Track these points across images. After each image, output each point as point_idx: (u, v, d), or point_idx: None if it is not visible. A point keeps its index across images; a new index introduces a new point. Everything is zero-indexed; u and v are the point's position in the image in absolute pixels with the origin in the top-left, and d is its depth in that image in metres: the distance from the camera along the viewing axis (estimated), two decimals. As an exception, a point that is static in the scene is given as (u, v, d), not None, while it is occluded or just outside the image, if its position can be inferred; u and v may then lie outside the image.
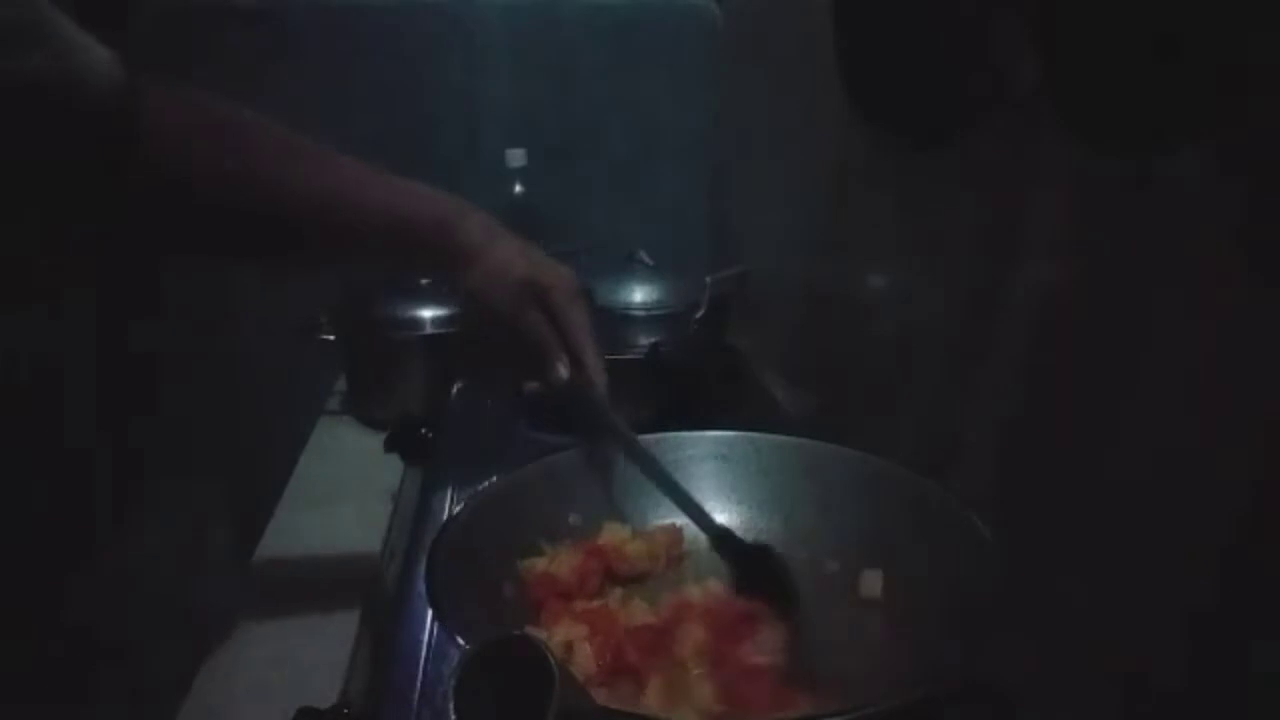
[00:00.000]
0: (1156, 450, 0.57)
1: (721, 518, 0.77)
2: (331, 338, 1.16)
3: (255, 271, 0.81)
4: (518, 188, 1.32)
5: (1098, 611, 0.60)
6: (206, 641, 0.76)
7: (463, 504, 0.70)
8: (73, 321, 1.03)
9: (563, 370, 0.74)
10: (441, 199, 0.74)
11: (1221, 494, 0.52)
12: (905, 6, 0.81)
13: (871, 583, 0.68)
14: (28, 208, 0.57)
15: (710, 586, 0.69)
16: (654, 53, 1.44)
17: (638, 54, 1.43)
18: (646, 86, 1.44)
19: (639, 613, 0.65)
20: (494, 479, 0.72)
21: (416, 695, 0.65)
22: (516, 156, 1.31)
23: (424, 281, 1.13)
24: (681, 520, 0.75)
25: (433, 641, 0.70)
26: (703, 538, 0.75)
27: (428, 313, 1.13)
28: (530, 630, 0.61)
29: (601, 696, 0.57)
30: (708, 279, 1.14)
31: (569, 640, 0.61)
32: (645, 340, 1.11)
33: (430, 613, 0.70)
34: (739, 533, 0.76)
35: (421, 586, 0.59)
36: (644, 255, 1.18)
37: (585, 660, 0.60)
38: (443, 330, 1.13)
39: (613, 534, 0.72)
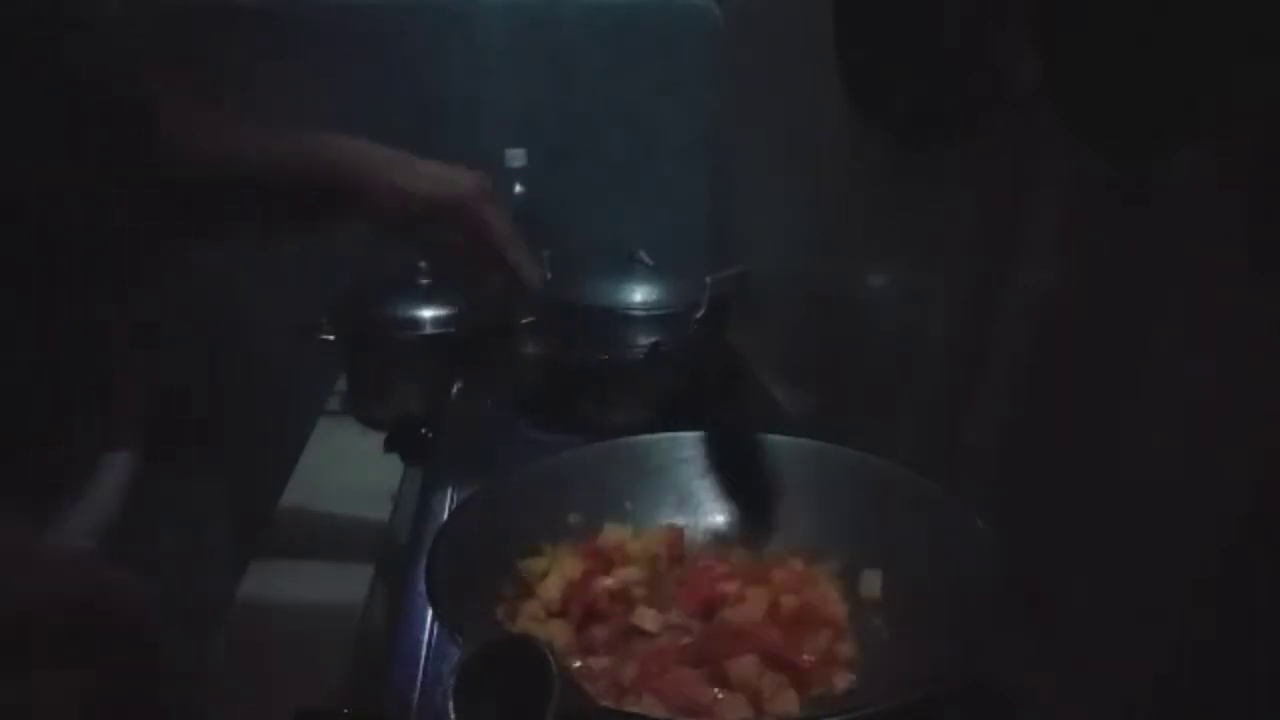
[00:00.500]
0: (1156, 450, 0.57)
1: (721, 518, 0.77)
2: (331, 338, 1.16)
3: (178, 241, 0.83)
4: (518, 188, 1.32)
5: (1098, 611, 0.60)
6: (206, 642, 0.76)
7: (462, 504, 0.70)
8: (72, 323, 1.03)
9: (490, 280, 0.77)
10: (331, 141, 0.76)
11: (1221, 494, 0.52)
12: (905, 6, 0.82)
13: (871, 583, 0.68)
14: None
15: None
16: (654, 53, 1.44)
17: (638, 54, 1.43)
18: (646, 86, 1.44)
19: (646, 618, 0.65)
20: (494, 479, 0.72)
21: (416, 695, 0.65)
22: (516, 156, 1.31)
23: (424, 282, 1.13)
24: (681, 520, 0.75)
25: (433, 641, 0.70)
26: (701, 539, 0.75)
27: (428, 313, 1.13)
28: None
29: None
30: (708, 279, 1.14)
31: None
32: (645, 340, 1.11)
33: (430, 613, 0.70)
34: (738, 533, 0.76)
35: (422, 586, 0.59)
36: (644, 255, 1.18)
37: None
38: (443, 330, 1.13)
39: (613, 534, 0.72)
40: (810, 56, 0.97)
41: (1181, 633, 0.54)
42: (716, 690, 0.58)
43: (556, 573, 0.67)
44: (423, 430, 0.96)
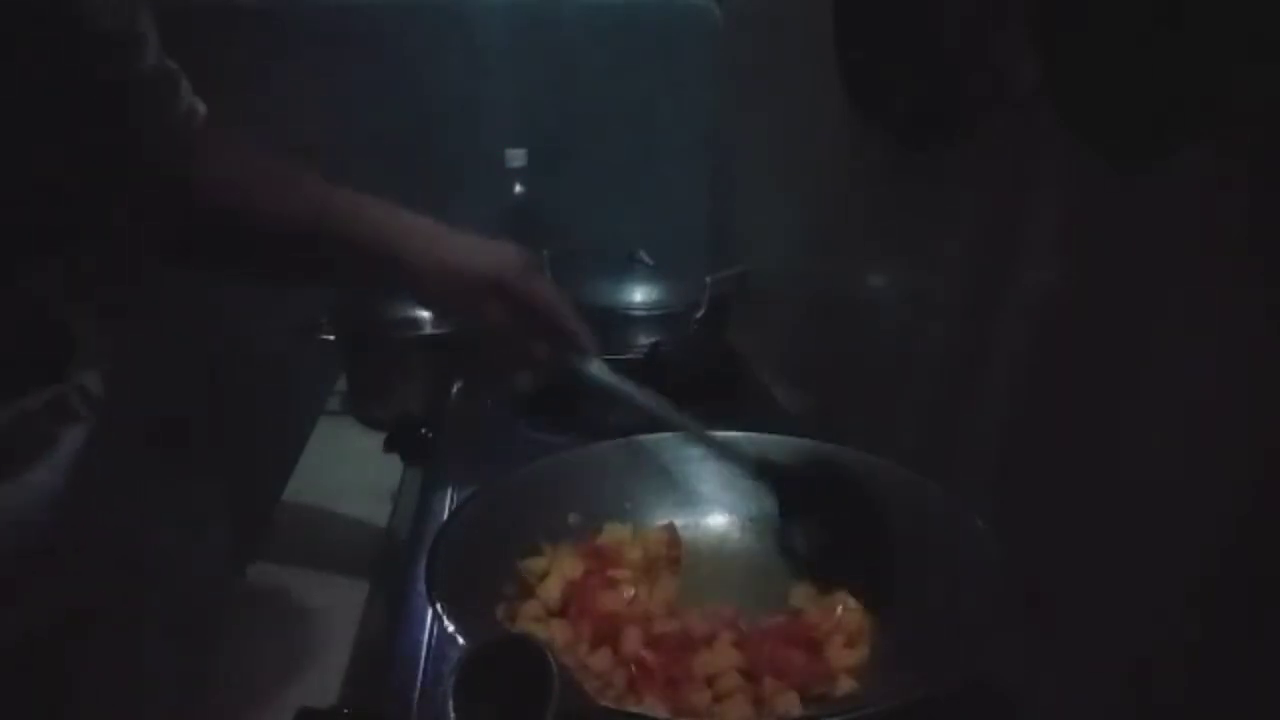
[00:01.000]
0: (1156, 450, 0.57)
1: (721, 518, 0.77)
2: (331, 338, 1.16)
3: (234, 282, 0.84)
4: (518, 188, 1.32)
5: (1098, 611, 0.60)
6: (207, 642, 0.76)
7: (462, 504, 0.70)
8: (72, 320, 1.03)
9: (540, 350, 0.75)
10: (394, 216, 0.74)
11: (1221, 494, 0.52)
12: (905, 7, 0.82)
13: (866, 582, 0.68)
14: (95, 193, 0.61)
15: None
16: (654, 53, 1.44)
17: (638, 54, 1.43)
18: (646, 86, 1.44)
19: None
20: (494, 479, 0.72)
21: (416, 695, 0.65)
22: (516, 156, 1.31)
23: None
24: (681, 520, 0.75)
25: (433, 641, 0.70)
26: (701, 539, 0.75)
27: (428, 313, 1.13)
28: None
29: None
30: (708, 279, 1.14)
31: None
32: (645, 340, 1.11)
33: (430, 613, 0.70)
34: (737, 533, 0.76)
35: (422, 586, 0.59)
36: (644, 255, 1.18)
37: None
38: (443, 330, 1.13)
39: (613, 534, 0.72)
40: (810, 56, 0.97)
41: (1181, 633, 0.54)
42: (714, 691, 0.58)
43: (556, 573, 0.67)
44: (423, 430, 0.96)
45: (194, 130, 0.69)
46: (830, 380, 1.07)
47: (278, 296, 1.22)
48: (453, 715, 0.43)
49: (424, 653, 0.69)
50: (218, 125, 0.71)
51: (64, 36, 0.57)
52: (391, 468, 0.97)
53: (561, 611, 0.65)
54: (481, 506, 0.70)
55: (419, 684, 0.66)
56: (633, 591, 0.65)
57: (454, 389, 1.12)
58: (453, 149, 1.38)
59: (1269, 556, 0.48)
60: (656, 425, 0.78)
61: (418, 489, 0.91)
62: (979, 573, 0.60)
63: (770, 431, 0.79)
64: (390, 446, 0.97)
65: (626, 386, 0.76)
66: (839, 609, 0.65)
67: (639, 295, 1.14)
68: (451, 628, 0.55)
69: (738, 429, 0.79)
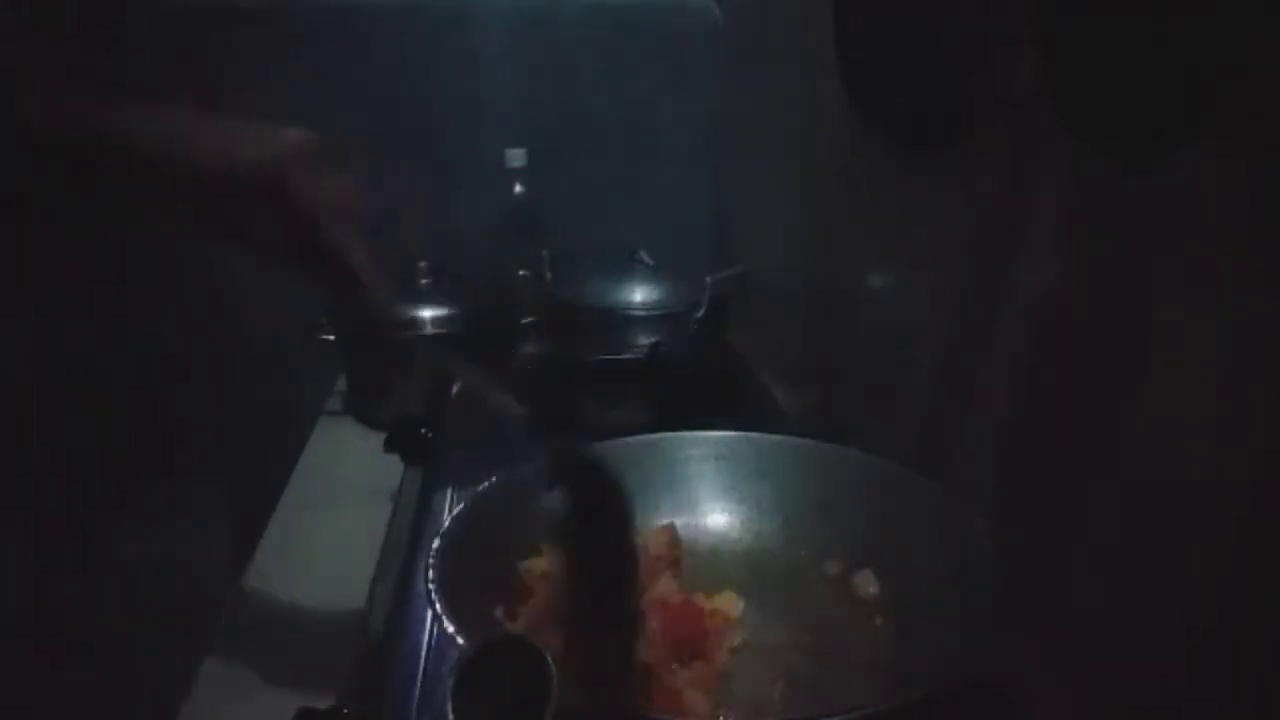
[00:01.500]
0: (1156, 450, 0.57)
1: (721, 518, 0.77)
2: (331, 338, 1.16)
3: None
4: (518, 188, 1.32)
5: (1098, 611, 0.60)
6: (206, 641, 0.76)
7: (463, 504, 0.70)
8: (72, 321, 1.03)
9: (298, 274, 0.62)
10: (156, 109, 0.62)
11: (1222, 494, 0.51)
12: (905, 7, 0.81)
13: (867, 582, 0.68)
14: None
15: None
16: (654, 53, 1.44)
17: (638, 54, 1.43)
18: (646, 86, 1.44)
19: None
20: (494, 479, 0.72)
21: (416, 695, 0.65)
22: (516, 156, 1.31)
23: (424, 282, 1.13)
24: (681, 520, 0.75)
25: (433, 641, 0.70)
26: (701, 539, 0.75)
27: (428, 313, 1.13)
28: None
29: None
30: (708, 279, 1.14)
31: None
32: (645, 340, 1.11)
33: (430, 613, 0.70)
34: (737, 533, 0.76)
35: (421, 587, 0.59)
36: (644, 255, 1.18)
37: None
38: (443, 330, 1.13)
39: None
40: (810, 56, 0.97)
41: (1182, 632, 0.54)
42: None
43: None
44: (423, 430, 0.96)
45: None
46: (830, 380, 1.07)
47: (278, 296, 1.22)
48: (451, 715, 0.43)
49: (424, 653, 0.69)
50: None
51: None
52: (391, 468, 0.97)
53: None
54: (482, 506, 0.70)
55: (419, 684, 0.66)
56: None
57: (454, 389, 1.12)
58: (453, 149, 1.38)
59: (1269, 556, 0.48)
60: (656, 426, 0.78)
61: (418, 489, 0.91)
62: (979, 573, 0.60)
63: (770, 431, 0.79)
64: (390, 446, 0.97)
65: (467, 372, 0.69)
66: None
67: (639, 295, 1.14)
68: (451, 628, 0.55)
69: (738, 429, 0.79)
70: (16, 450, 0.95)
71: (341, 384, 1.24)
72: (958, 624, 0.59)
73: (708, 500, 0.77)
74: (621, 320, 1.13)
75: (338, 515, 0.95)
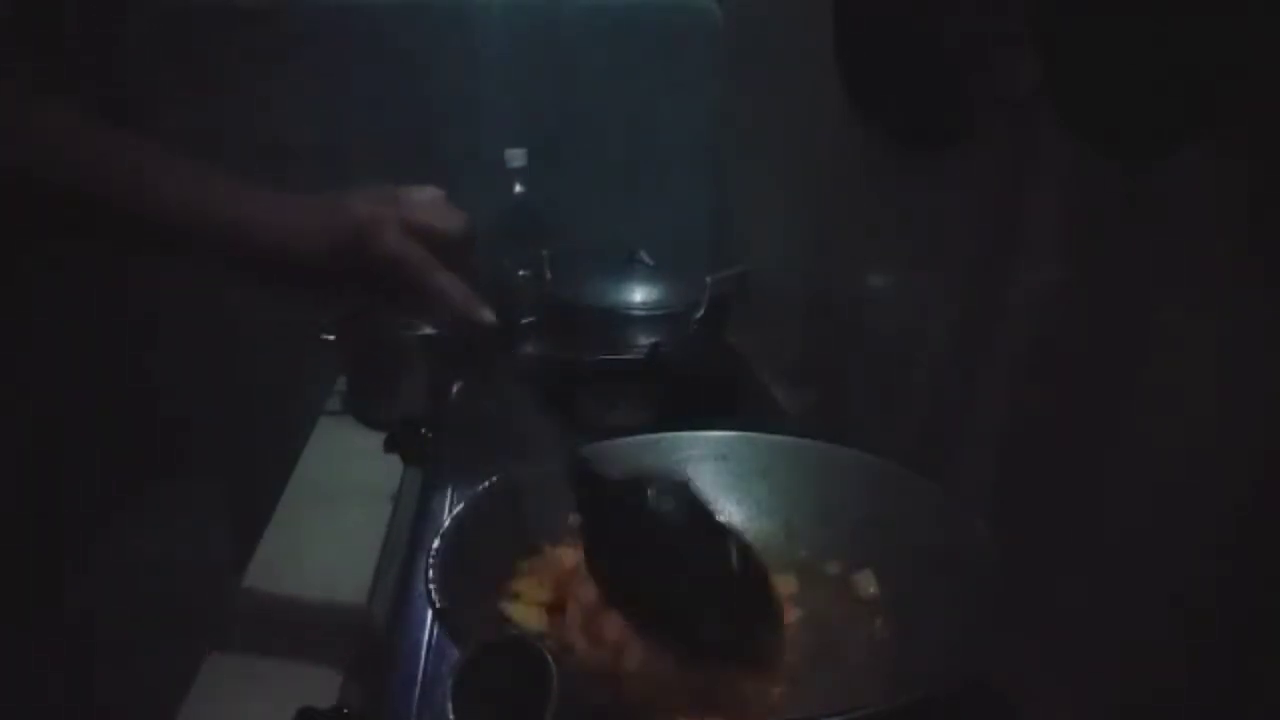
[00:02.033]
0: (1156, 450, 0.57)
1: (721, 517, 0.77)
2: (331, 338, 1.16)
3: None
4: (518, 188, 1.32)
5: (1098, 611, 0.60)
6: (206, 641, 0.76)
7: (463, 504, 0.70)
8: (73, 322, 1.04)
9: (411, 310, 0.66)
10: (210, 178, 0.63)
11: (1221, 494, 0.51)
12: (905, 7, 0.81)
13: (867, 582, 0.68)
14: None
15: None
16: (654, 53, 1.44)
17: (638, 54, 1.43)
18: (646, 86, 1.44)
19: None
20: (494, 479, 0.72)
21: (416, 695, 0.65)
22: (516, 156, 1.31)
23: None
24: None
25: (433, 641, 0.70)
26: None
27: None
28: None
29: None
30: (708, 279, 1.14)
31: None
32: (645, 340, 1.11)
33: (430, 613, 0.70)
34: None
35: (421, 587, 0.59)
36: (644, 255, 1.18)
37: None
38: (443, 330, 1.13)
39: None
40: (810, 56, 0.97)
41: (1181, 633, 0.54)
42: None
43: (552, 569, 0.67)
44: (423, 430, 0.96)
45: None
46: (830, 380, 1.07)
47: (278, 296, 1.22)
48: (451, 716, 0.43)
49: (424, 653, 0.69)
50: (218, 125, 0.65)
51: None
52: (391, 468, 0.97)
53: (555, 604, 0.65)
54: (482, 506, 0.70)
55: (419, 684, 0.66)
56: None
57: (454, 389, 1.12)
58: (453, 149, 1.38)
59: (1269, 556, 0.48)
60: (654, 429, 0.78)
61: (418, 489, 0.91)
62: (979, 573, 0.60)
63: (770, 431, 0.79)
64: (390, 446, 0.97)
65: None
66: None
67: (639, 295, 1.14)
68: (452, 627, 0.55)
69: (738, 429, 0.79)
70: (17, 450, 0.95)
71: (341, 384, 1.24)
72: (958, 624, 0.58)
73: (708, 499, 0.77)
74: (621, 320, 1.13)
75: (338, 515, 0.95)
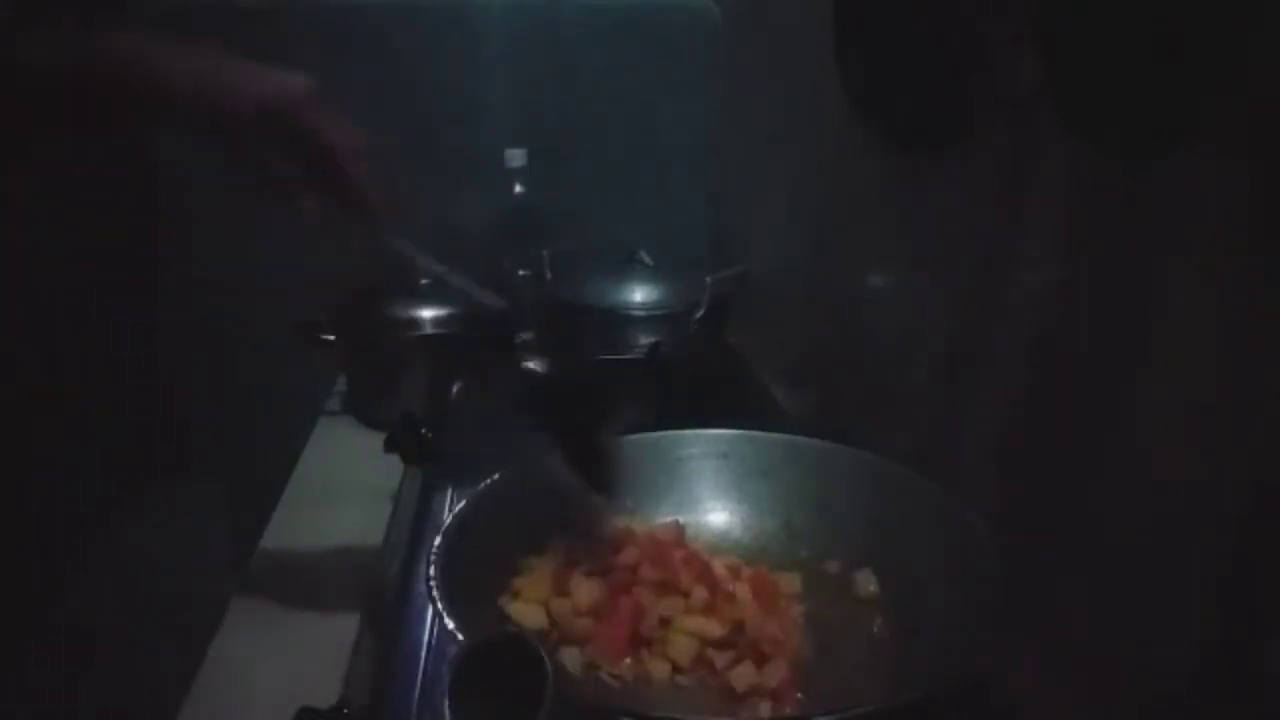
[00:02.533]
0: (1157, 450, 0.57)
1: (721, 517, 0.77)
2: (331, 338, 1.16)
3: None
4: (518, 188, 1.32)
5: (1097, 611, 0.60)
6: (206, 641, 0.76)
7: (464, 503, 0.70)
8: (72, 322, 1.03)
9: (311, 202, 0.65)
10: (111, 37, 0.65)
11: (1222, 494, 0.52)
12: (905, 7, 0.81)
13: (867, 582, 0.68)
14: None
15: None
16: (654, 53, 1.44)
17: (638, 54, 1.43)
18: (646, 86, 1.44)
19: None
20: (494, 479, 0.72)
21: (416, 695, 0.65)
22: (516, 156, 1.31)
23: (424, 283, 1.13)
24: (682, 518, 0.75)
25: (433, 641, 0.70)
26: (702, 537, 0.75)
27: (428, 313, 1.13)
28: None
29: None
30: (708, 279, 1.14)
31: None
32: (645, 340, 1.11)
33: (430, 613, 0.70)
34: (738, 531, 0.76)
35: (422, 587, 0.59)
36: (644, 255, 1.18)
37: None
38: (443, 330, 1.13)
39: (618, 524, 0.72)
40: (810, 57, 0.97)
41: (1182, 633, 0.54)
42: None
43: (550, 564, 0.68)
44: (423, 430, 0.96)
45: None
46: (830, 380, 1.07)
47: (278, 296, 1.22)
48: (449, 712, 0.44)
49: (424, 653, 0.69)
50: None
51: None
52: (391, 468, 0.97)
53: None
54: (482, 505, 0.70)
55: (419, 684, 0.66)
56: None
57: (454, 389, 1.12)
58: (453, 149, 1.39)
59: (1269, 556, 0.48)
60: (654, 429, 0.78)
61: (418, 489, 0.91)
62: (979, 573, 0.60)
63: (770, 431, 0.79)
64: (390, 446, 0.97)
65: (432, 264, 0.71)
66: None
67: (639, 295, 1.14)
68: (452, 625, 0.55)
69: (738, 429, 0.79)
70: (17, 450, 0.95)
71: (341, 384, 1.24)
72: (958, 624, 0.59)
73: (709, 499, 0.77)
74: (621, 320, 1.13)
75: (338, 515, 0.95)
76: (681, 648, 0.62)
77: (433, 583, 0.59)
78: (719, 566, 0.68)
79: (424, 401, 1.12)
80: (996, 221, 0.73)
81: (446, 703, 0.44)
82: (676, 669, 0.62)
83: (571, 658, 0.62)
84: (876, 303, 0.98)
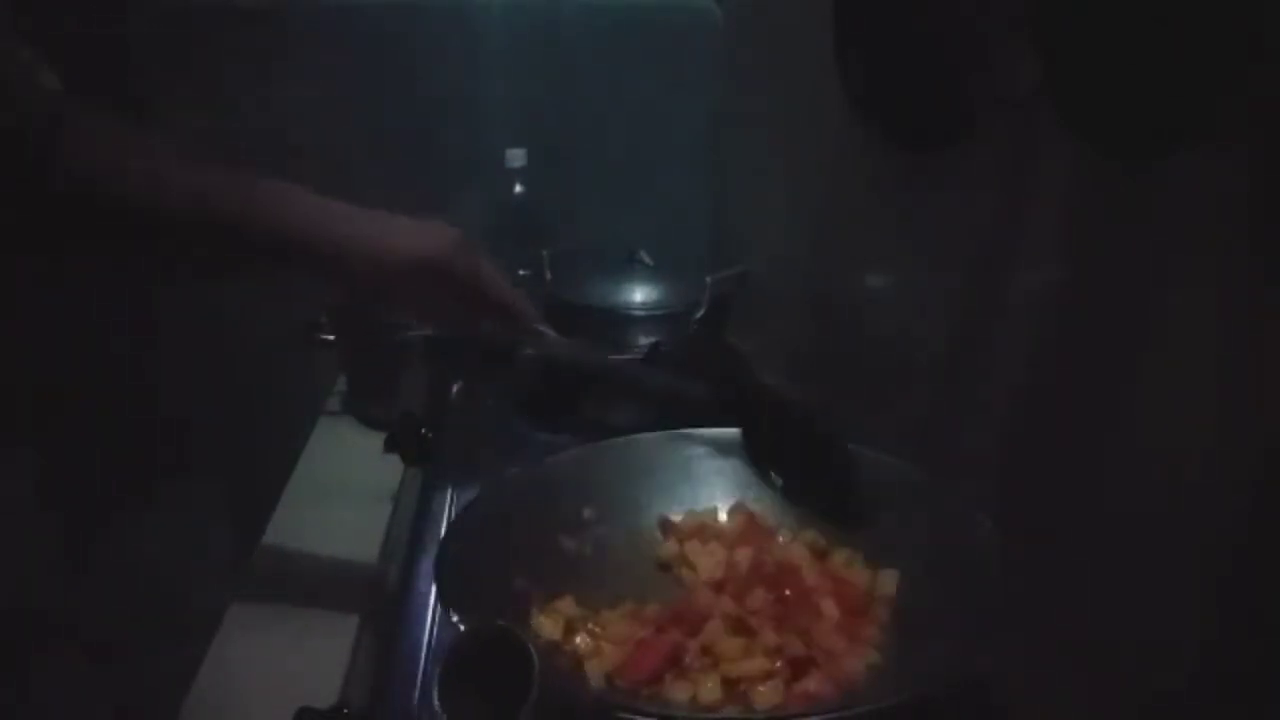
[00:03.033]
0: (1157, 450, 0.57)
1: (721, 517, 0.77)
2: (331, 338, 1.16)
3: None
4: (518, 188, 1.32)
5: (1098, 611, 0.60)
6: (206, 641, 0.76)
7: (467, 503, 0.70)
8: (72, 323, 1.04)
9: (486, 327, 0.75)
10: (275, 190, 0.68)
11: (1222, 494, 0.51)
12: (905, 7, 0.81)
13: (887, 581, 0.67)
14: None
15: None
16: (654, 53, 1.44)
17: (638, 54, 1.43)
18: (646, 86, 1.44)
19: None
20: (494, 479, 0.72)
21: (416, 695, 0.65)
22: (516, 156, 1.31)
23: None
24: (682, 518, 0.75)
25: (433, 641, 0.70)
26: (703, 537, 0.75)
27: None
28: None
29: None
30: (708, 279, 1.14)
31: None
32: (645, 340, 1.11)
33: (430, 612, 0.70)
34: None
35: (422, 586, 0.59)
36: (644, 255, 1.18)
37: None
38: (443, 330, 1.13)
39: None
40: (810, 56, 0.97)
41: (1182, 633, 0.54)
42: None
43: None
44: (423, 430, 0.96)
45: (46, 107, 0.62)
46: (830, 380, 1.07)
47: (278, 297, 1.22)
48: (438, 704, 0.44)
49: (424, 653, 0.69)
50: (218, 125, 0.68)
51: None
52: (391, 468, 0.97)
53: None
54: (486, 505, 0.70)
55: (419, 684, 0.66)
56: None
57: (454, 389, 1.12)
58: (453, 149, 1.38)
59: (1269, 556, 0.48)
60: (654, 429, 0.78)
61: (418, 489, 0.91)
62: (979, 572, 0.60)
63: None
64: (390, 446, 0.97)
65: (575, 349, 0.79)
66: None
67: (639, 295, 1.14)
68: (456, 619, 0.55)
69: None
70: (17, 450, 0.95)
71: (341, 384, 1.24)
72: (958, 624, 0.58)
73: (709, 498, 0.77)
74: (621, 320, 1.13)
75: (338, 515, 0.95)
76: (709, 688, 0.59)
77: (442, 583, 0.59)
78: (812, 576, 0.67)
79: (424, 401, 1.12)
80: (996, 221, 0.73)
81: (435, 693, 0.44)
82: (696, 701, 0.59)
83: (594, 668, 0.61)
84: (876, 302, 0.98)
